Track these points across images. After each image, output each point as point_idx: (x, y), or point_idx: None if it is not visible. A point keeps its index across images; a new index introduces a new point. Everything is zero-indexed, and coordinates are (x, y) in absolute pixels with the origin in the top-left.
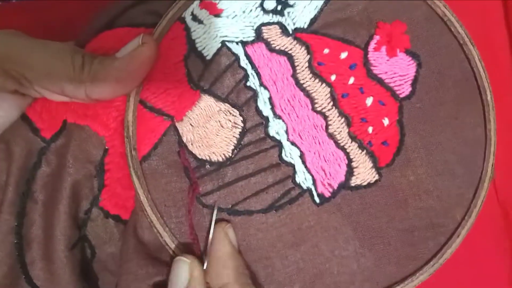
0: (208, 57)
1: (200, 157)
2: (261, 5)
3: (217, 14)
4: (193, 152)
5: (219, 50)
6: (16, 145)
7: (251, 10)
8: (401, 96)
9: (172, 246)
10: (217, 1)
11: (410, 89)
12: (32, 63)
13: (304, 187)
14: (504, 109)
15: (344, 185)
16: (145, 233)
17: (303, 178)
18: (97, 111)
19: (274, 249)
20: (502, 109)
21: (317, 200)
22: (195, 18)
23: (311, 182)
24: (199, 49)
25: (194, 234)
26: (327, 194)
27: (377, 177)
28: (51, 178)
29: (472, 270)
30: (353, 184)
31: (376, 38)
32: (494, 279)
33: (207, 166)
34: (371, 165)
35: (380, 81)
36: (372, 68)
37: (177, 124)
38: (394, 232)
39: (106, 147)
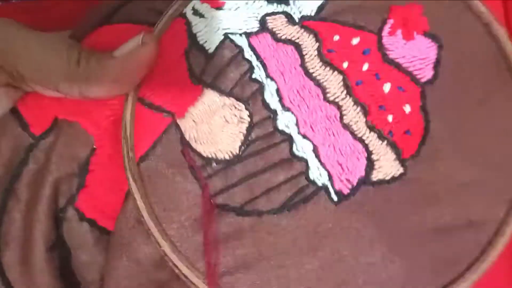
0: (210, 51)
1: (205, 155)
2: None
3: (219, 7)
4: (198, 150)
5: (221, 43)
6: (2, 140)
7: (254, 1)
8: (422, 80)
9: (172, 256)
10: None
11: (432, 72)
12: (25, 57)
13: (319, 183)
14: None
15: (365, 181)
16: (141, 248)
17: (317, 174)
18: (89, 108)
19: (288, 256)
20: None
21: (334, 198)
22: (196, 12)
23: (327, 178)
24: (201, 43)
25: (209, 245)
26: (346, 191)
27: (401, 170)
28: (36, 176)
29: None
30: (374, 179)
31: (390, 22)
32: (493, 278)
33: (214, 164)
34: (393, 157)
35: (398, 66)
36: (388, 52)
37: (178, 121)
38: (426, 233)
39: (94, 147)
